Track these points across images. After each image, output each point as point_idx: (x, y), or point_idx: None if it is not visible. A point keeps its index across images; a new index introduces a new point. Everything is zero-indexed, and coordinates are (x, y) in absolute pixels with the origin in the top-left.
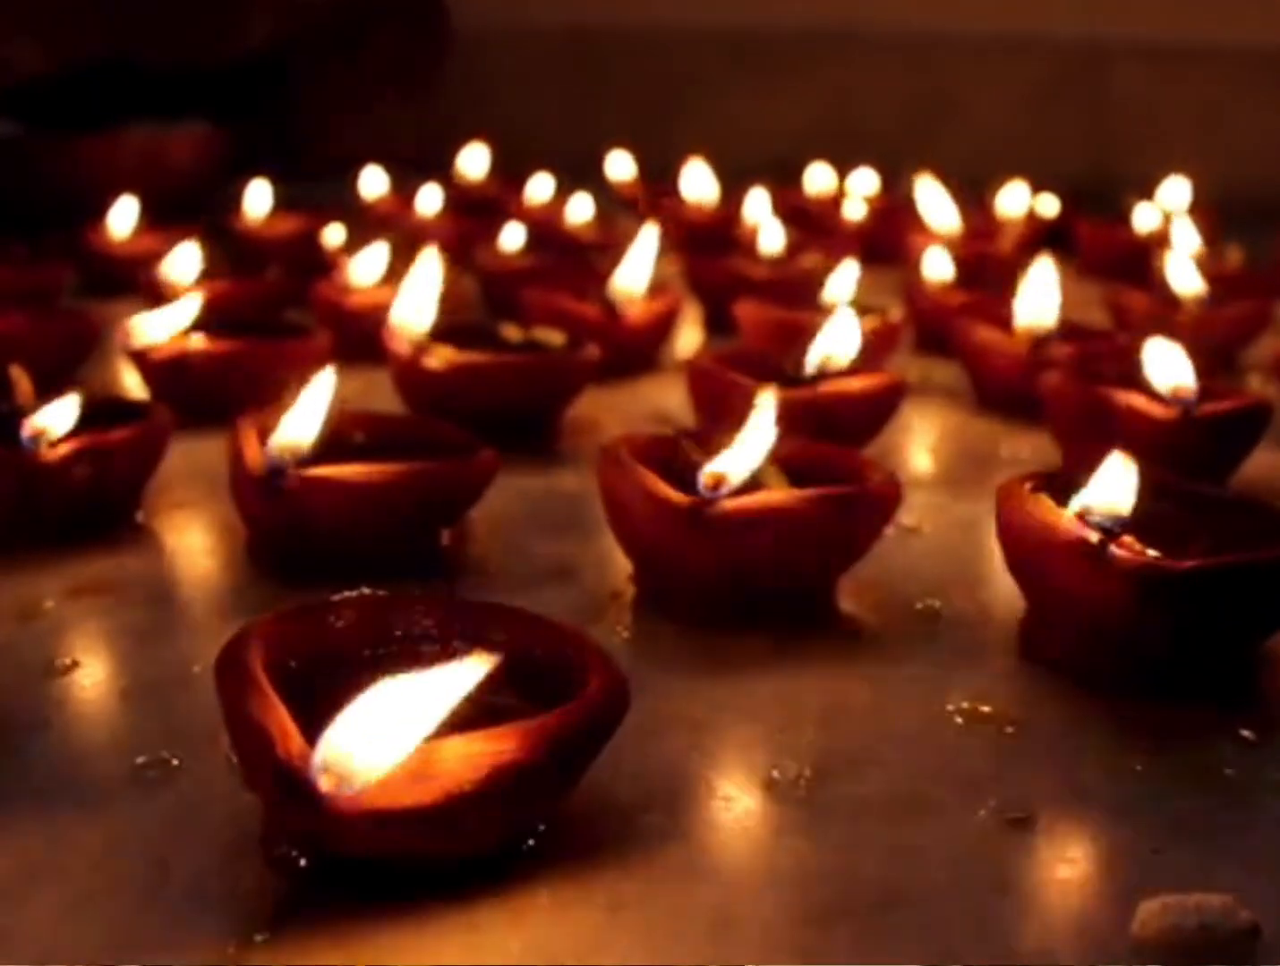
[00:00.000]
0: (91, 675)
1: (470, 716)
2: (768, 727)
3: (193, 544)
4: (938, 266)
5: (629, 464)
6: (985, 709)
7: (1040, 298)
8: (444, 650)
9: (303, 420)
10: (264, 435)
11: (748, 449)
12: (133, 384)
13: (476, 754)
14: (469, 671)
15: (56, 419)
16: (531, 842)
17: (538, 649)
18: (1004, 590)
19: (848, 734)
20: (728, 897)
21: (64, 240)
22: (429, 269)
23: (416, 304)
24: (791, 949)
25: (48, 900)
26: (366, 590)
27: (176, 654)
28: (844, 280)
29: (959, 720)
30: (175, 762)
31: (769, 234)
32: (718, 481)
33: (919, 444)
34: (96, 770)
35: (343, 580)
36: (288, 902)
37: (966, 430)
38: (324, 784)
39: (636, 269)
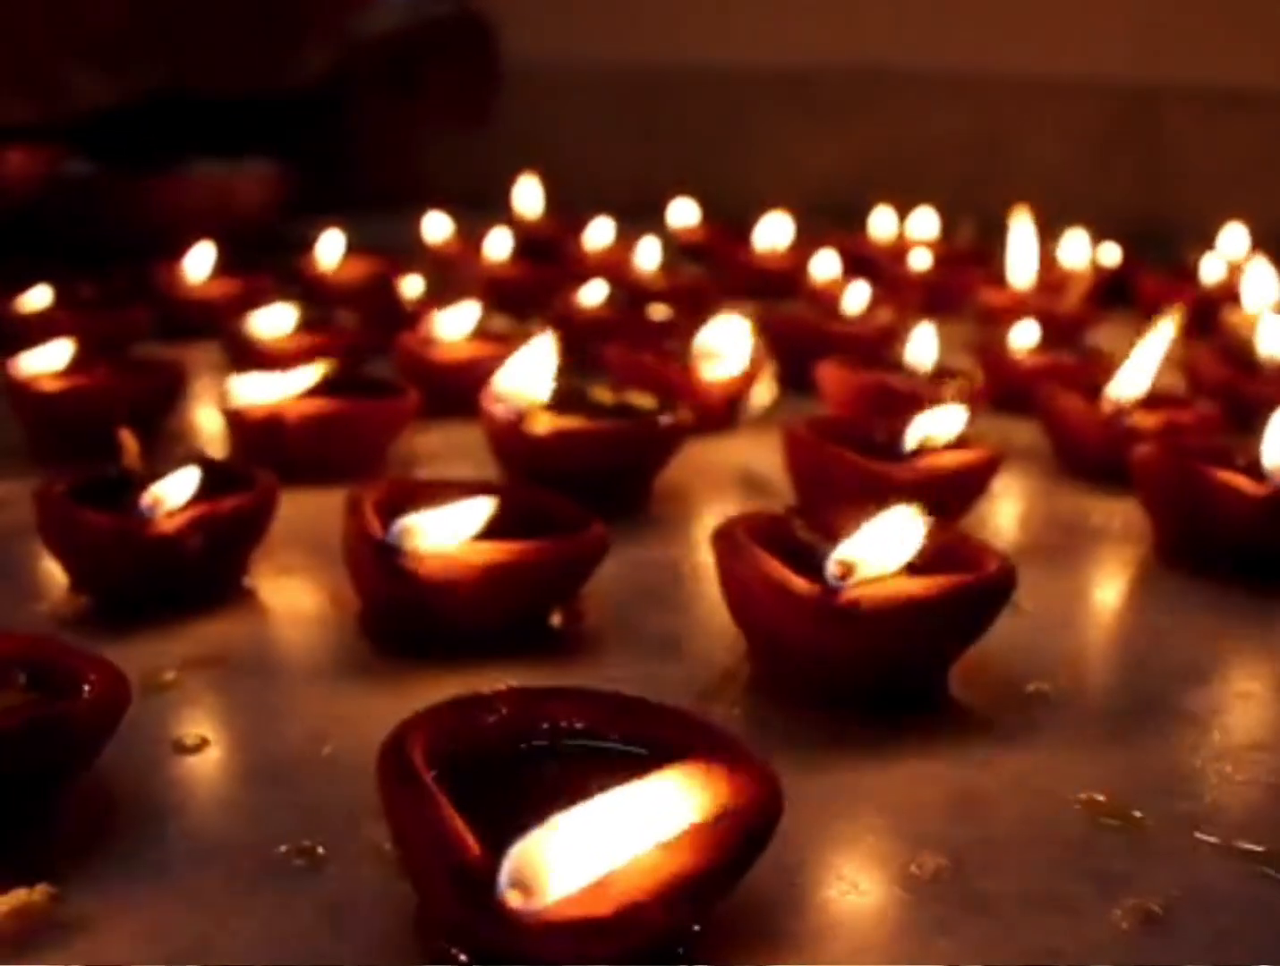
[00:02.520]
0: (221, 754)
1: None
2: (896, 817)
3: (304, 613)
4: (1021, 332)
5: (749, 548)
6: (1106, 800)
7: (1135, 370)
8: (598, 747)
9: (446, 523)
10: (378, 507)
11: (887, 547)
12: (211, 433)
13: (651, 863)
14: (664, 794)
15: (173, 490)
16: (680, 950)
17: (689, 747)
18: (1107, 672)
19: (977, 826)
20: None
21: (131, 279)
22: (546, 341)
23: (529, 373)
24: None
25: None
26: (513, 682)
27: (304, 731)
28: (923, 343)
29: (1083, 811)
30: (320, 850)
31: (853, 295)
32: (847, 570)
33: (1008, 514)
34: (241, 857)
35: (458, 655)
36: None
37: (1053, 499)
38: (511, 899)
39: (724, 337)
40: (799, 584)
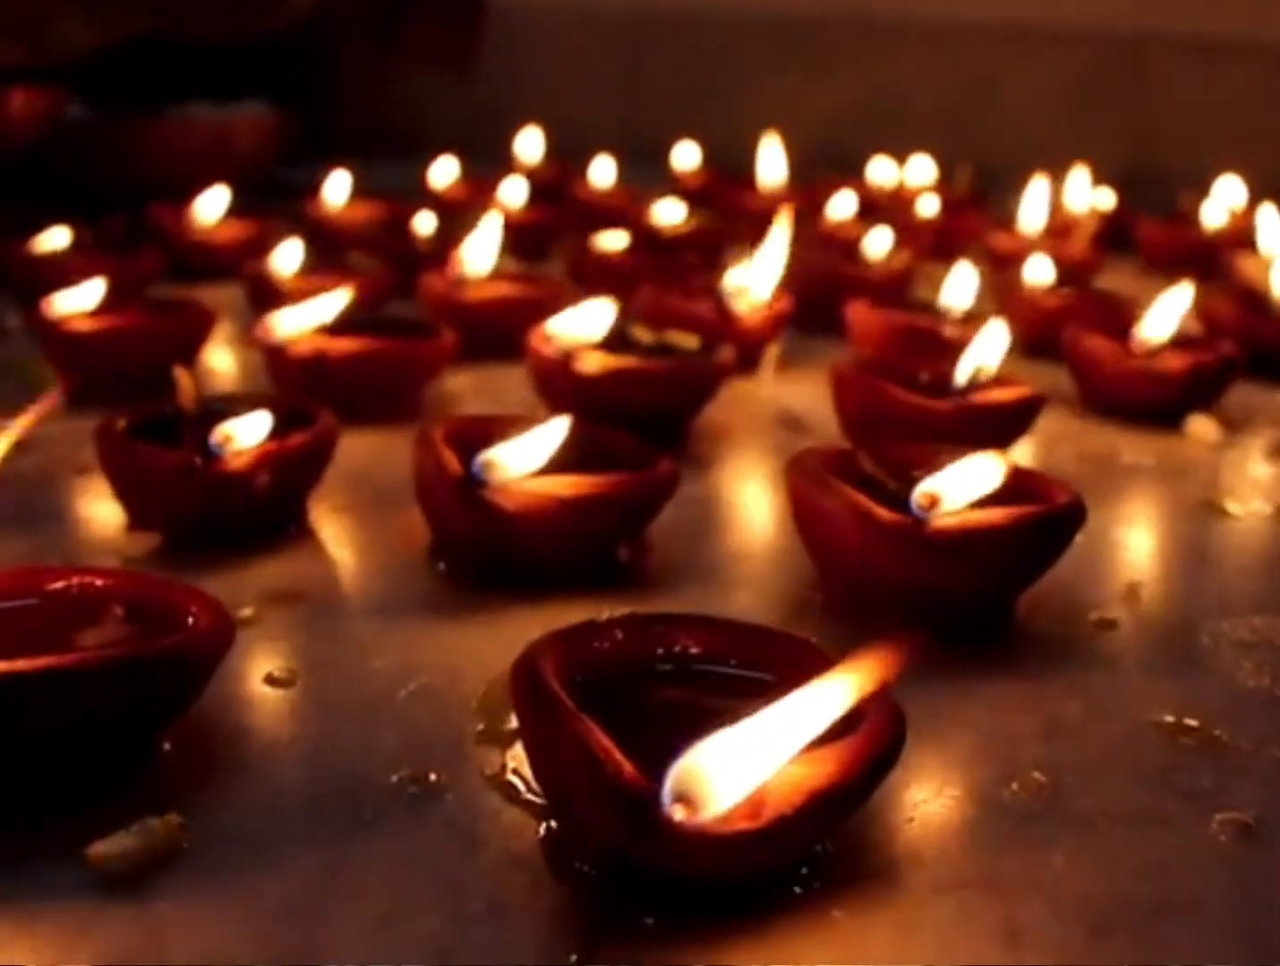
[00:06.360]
0: (314, 688)
1: None
2: (988, 740)
3: (368, 549)
4: (1038, 271)
5: (829, 479)
6: (1183, 721)
7: (1164, 314)
8: (719, 672)
9: (524, 452)
10: (448, 443)
11: (968, 481)
12: (235, 373)
13: (800, 778)
14: (820, 709)
15: (243, 429)
16: (804, 871)
17: (804, 672)
18: (1163, 600)
19: (1065, 748)
20: (1009, 910)
21: (130, 224)
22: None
23: (581, 314)
24: (1084, 958)
25: (348, 921)
26: (606, 613)
27: (392, 664)
28: (958, 285)
29: (1163, 732)
30: (432, 778)
31: (874, 239)
32: (932, 501)
33: (1043, 452)
34: (356, 787)
35: (531, 588)
36: (593, 921)
37: (1085, 437)
38: (677, 813)
39: (762, 270)
40: (884, 513)
